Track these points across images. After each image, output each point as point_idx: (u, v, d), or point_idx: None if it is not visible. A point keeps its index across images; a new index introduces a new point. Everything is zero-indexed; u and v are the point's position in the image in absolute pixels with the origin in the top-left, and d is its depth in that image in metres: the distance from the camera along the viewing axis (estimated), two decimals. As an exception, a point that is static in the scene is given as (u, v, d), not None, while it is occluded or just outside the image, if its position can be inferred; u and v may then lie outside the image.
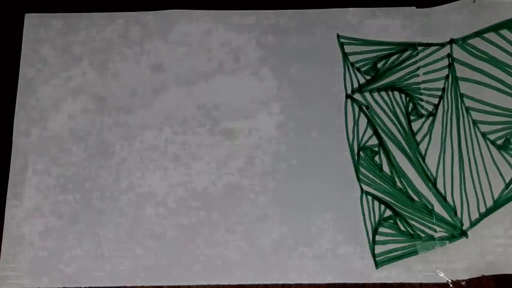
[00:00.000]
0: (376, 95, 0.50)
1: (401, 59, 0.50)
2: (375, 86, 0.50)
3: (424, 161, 0.48)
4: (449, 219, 0.47)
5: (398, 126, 0.49)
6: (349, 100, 0.50)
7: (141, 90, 0.50)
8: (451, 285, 0.45)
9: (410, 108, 0.49)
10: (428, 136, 0.49)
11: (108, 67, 0.51)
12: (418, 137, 0.49)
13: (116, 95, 0.50)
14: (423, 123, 0.49)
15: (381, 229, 0.47)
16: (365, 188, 0.48)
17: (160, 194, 0.48)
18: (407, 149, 0.48)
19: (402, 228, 0.47)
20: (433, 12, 0.51)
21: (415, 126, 0.49)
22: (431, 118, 0.49)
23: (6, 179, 0.48)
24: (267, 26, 0.51)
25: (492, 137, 0.49)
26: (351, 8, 0.52)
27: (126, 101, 0.50)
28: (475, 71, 0.50)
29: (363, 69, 0.50)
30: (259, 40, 0.51)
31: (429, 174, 0.48)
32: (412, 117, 0.49)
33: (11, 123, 0.49)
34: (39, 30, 0.51)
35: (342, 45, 0.51)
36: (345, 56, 0.51)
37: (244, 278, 0.46)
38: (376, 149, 0.48)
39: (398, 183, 0.48)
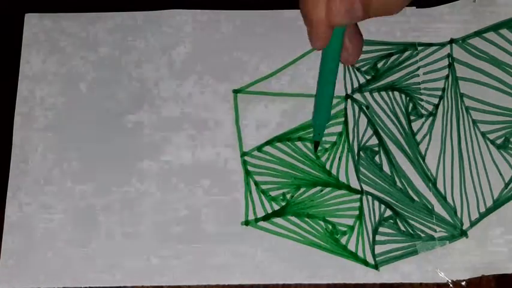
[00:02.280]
0: (376, 95, 0.50)
1: (401, 59, 0.50)
2: (375, 86, 0.50)
3: (424, 161, 0.48)
4: (449, 219, 0.47)
5: (399, 126, 0.49)
6: (349, 100, 0.50)
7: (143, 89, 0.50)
8: (451, 285, 0.45)
9: (410, 108, 0.49)
10: (428, 136, 0.49)
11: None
12: (418, 137, 0.49)
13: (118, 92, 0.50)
14: (423, 123, 0.49)
15: (381, 229, 0.47)
16: (365, 187, 0.48)
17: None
18: (407, 149, 0.48)
19: (402, 228, 0.47)
20: (433, 12, 0.51)
21: (415, 126, 0.49)
22: (431, 118, 0.49)
23: (7, 178, 0.48)
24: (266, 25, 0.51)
25: (492, 136, 0.49)
26: (351, 8, 0.52)
27: (128, 100, 0.50)
28: (475, 70, 0.50)
29: (363, 69, 0.50)
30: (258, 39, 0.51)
31: (429, 174, 0.48)
32: (412, 117, 0.49)
33: (11, 123, 0.49)
34: (39, 30, 0.51)
35: (342, 45, 0.51)
36: (345, 56, 0.51)
37: (244, 278, 0.46)
38: (376, 148, 0.48)
39: (398, 183, 0.48)
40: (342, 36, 0.40)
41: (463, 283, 0.45)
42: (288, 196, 0.48)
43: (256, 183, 0.48)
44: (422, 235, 0.46)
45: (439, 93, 0.50)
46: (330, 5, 0.37)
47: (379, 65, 0.50)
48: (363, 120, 0.49)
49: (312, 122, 0.47)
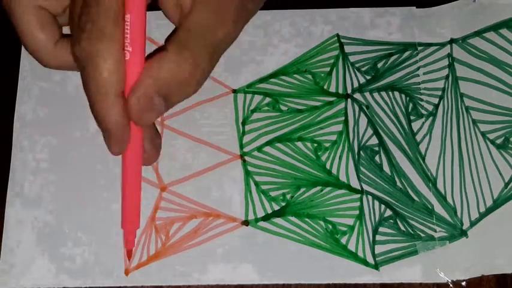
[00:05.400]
0: (376, 95, 0.50)
1: (401, 59, 0.50)
2: (375, 86, 0.50)
3: (424, 161, 0.48)
4: (449, 219, 0.47)
5: (399, 126, 0.49)
6: (349, 100, 0.50)
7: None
8: (451, 285, 0.45)
9: (410, 108, 0.49)
10: (428, 136, 0.49)
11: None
12: (418, 137, 0.49)
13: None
14: (423, 123, 0.49)
15: (381, 229, 0.47)
16: (365, 187, 0.48)
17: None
18: (408, 149, 0.48)
19: (402, 228, 0.47)
20: (433, 12, 0.51)
21: (415, 126, 0.49)
22: (431, 118, 0.49)
23: (7, 178, 0.48)
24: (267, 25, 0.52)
25: (492, 136, 0.49)
26: (351, 8, 0.52)
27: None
28: (475, 70, 0.50)
29: (363, 69, 0.50)
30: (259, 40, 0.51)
31: (429, 174, 0.48)
32: (412, 117, 0.49)
33: (10, 123, 0.49)
34: (39, 30, 0.51)
35: (341, 45, 0.51)
36: (345, 56, 0.51)
37: (245, 278, 0.46)
38: (377, 148, 0.49)
39: (398, 183, 0.48)
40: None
41: (463, 283, 0.45)
42: (288, 196, 0.48)
43: (256, 184, 0.48)
44: (422, 235, 0.46)
45: (439, 93, 0.50)
46: (131, 107, 0.36)
47: (379, 65, 0.50)
48: (363, 120, 0.49)
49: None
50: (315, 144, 0.49)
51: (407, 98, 0.50)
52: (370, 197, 0.47)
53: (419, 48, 0.51)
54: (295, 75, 0.50)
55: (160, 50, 0.36)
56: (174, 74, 0.36)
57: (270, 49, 0.51)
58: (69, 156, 0.49)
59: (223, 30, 0.37)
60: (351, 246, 0.46)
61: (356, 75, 0.50)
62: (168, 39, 0.37)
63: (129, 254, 0.46)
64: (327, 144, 0.49)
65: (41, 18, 0.39)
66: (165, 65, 0.36)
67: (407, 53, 0.51)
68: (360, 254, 0.46)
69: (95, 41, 0.35)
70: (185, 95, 0.37)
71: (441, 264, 0.46)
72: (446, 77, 0.50)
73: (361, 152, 0.49)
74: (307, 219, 0.47)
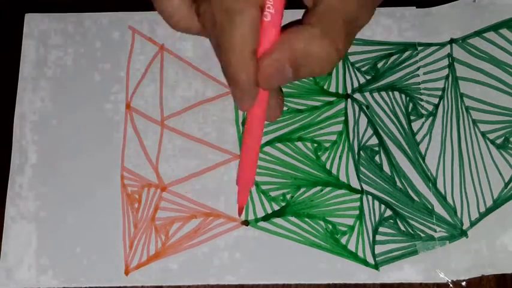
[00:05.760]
0: (376, 95, 0.50)
1: (401, 59, 0.50)
2: (375, 86, 0.50)
3: (424, 161, 0.48)
4: (449, 219, 0.47)
5: (399, 126, 0.49)
6: (349, 100, 0.50)
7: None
8: (451, 285, 0.45)
9: (410, 108, 0.49)
10: (428, 136, 0.49)
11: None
12: (418, 137, 0.49)
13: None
14: (423, 123, 0.49)
15: (381, 229, 0.47)
16: (365, 187, 0.48)
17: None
18: (407, 149, 0.48)
19: (402, 228, 0.47)
20: (433, 12, 0.51)
21: (415, 126, 0.49)
22: (431, 118, 0.49)
23: (6, 178, 0.48)
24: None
25: (492, 136, 0.49)
26: (351, 8, 0.52)
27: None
28: (475, 70, 0.50)
29: (363, 69, 0.50)
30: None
31: (429, 174, 0.48)
32: (412, 117, 0.49)
33: (10, 124, 0.49)
34: (39, 30, 0.51)
35: (342, 45, 0.51)
36: (345, 56, 0.51)
37: (245, 277, 0.46)
38: (377, 148, 0.49)
39: (398, 183, 0.48)
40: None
41: (463, 283, 0.45)
42: (288, 197, 0.48)
43: (256, 184, 0.48)
44: (422, 235, 0.46)
45: (439, 93, 0.50)
46: (261, 69, 0.36)
47: (379, 65, 0.50)
48: (363, 120, 0.49)
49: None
50: (315, 144, 0.49)
51: (407, 98, 0.50)
52: (370, 197, 0.48)
53: (419, 48, 0.51)
54: (295, 75, 0.50)
55: (298, 22, 0.37)
56: (311, 47, 0.36)
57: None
58: (68, 155, 0.49)
59: (363, 13, 0.37)
60: (351, 246, 0.46)
61: (356, 75, 0.50)
62: (306, 14, 0.37)
63: (241, 211, 0.46)
64: (327, 144, 0.49)
65: None
66: (304, 37, 0.36)
67: (407, 53, 0.51)
68: (360, 254, 0.46)
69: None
70: (315, 72, 0.37)
71: (441, 264, 0.46)
72: (446, 77, 0.50)
73: (361, 152, 0.49)
74: (307, 219, 0.47)
